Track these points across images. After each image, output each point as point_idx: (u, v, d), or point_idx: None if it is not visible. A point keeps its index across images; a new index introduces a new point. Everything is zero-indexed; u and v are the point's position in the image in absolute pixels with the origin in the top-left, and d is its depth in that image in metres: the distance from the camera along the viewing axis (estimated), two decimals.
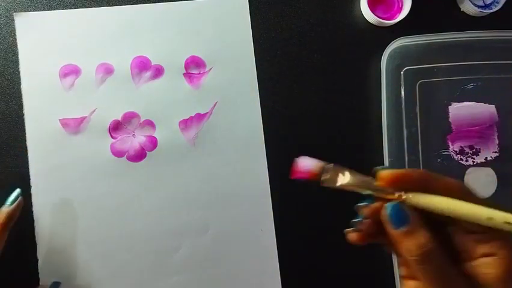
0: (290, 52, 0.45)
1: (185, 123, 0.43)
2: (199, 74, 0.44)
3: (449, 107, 0.45)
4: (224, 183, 0.43)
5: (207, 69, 0.44)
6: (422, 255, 0.25)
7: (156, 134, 0.43)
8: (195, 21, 0.44)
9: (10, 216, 0.39)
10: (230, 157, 0.43)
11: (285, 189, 0.43)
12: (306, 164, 0.28)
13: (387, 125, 0.43)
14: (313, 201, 0.44)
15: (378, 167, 0.27)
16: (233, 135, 0.43)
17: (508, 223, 0.25)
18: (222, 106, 0.44)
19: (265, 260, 0.43)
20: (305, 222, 0.44)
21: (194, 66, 0.44)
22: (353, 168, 0.45)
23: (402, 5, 0.45)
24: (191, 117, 0.43)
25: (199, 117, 0.43)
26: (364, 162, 0.44)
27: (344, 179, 0.28)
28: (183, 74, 0.43)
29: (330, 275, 0.44)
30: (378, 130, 0.44)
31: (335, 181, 0.28)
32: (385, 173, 0.27)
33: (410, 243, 0.25)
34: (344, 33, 0.45)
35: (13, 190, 0.40)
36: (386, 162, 0.43)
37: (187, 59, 0.44)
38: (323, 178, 0.28)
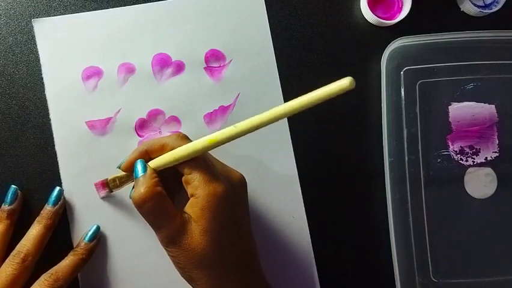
0: (290, 52, 0.45)
1: (210, 117, 0.44)
2: (220, 66, 0.44)
3: (449, 107, 0.45)
4: (252, 173, 0.43)
5: (226, 61, 0.44)
6: (147, 194, 0.34)
7: (182, 130, 0.43)
8: (212, 14, 0.44)
9: (54, 217, 0.40)
10: (256, 147, 0.44)
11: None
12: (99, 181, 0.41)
13: (387, 125, 0.43)
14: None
15: (119, 164, 0.38)
16: None
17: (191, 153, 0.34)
18: (244, 97, 0.44)
19: (299, 247, 0.43)
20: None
21: (214, 60, 0.44)
22: (353, 167, 0.46)
23: (402, 5, 0.45)
24: (215, 111, 0.44)
25: (223, 109, 0.44)
26: (364, 162, 0.44)
27: (118, 182, 0.40)
28: (204, 68, 0.44)
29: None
30: (378, 130, 0.44)
31: (117, 185, 0.40)
32: (123, 166, 0.38)
33: (141, 187, 0.34)
34: (344, 33, 0.45)
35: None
36: (386, 162, 0.43)
37: (206, 53, 0.44)
38: (111, 185, 0.40)
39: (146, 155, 0.37)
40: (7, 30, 0.43)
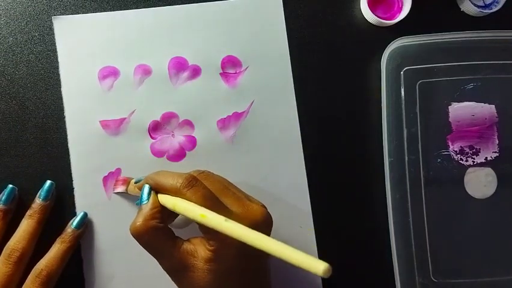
0: (290, 52, 0.45)
1: (223, 123, 0.44)
2: (236, 73, 0.44)
3: (449, 107, 0.45)
4: (262, 181, 0.43)
5: (243, 68, 0.44)
6: (144, 225, 0.34)
7: (195, 134, 0.43)
8: (230, 21, 0.44)
9: (46, 211, 0.40)
10: (268, 155, 0.44)
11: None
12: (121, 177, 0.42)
13: (387, 125, 0.43)
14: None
15: (135, 179, 0.40)
16: (270, 133, 0.44)
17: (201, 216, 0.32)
18: (258, 105, 0.44)
19: (305, 248, 0.43)
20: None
21: (230, 66, 0.44)
22: (353, 168, 0.46)
23: (402, 5, 0.45)
24: (228, 117, 0.44)
25: (237, 116, 0.44)
26: (364, 162, 0.44)
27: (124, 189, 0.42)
28: (220, 73, 0.44)
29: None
30: (378, 130, 0.44)
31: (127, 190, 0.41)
32: (138, 185, 0.38)
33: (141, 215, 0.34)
34: (344, 33, 0.45)
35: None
36: (386, 162, 0.43)
37: (223, 59, 0.44)
38: (129, 188, 0.41)
39: (155, 188, 0.36)
40: (7, 30, 0.43)
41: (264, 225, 0.34)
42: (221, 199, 0.34)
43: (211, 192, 0.34)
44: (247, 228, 0.30)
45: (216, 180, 0.36)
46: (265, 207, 0.35)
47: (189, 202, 0.33)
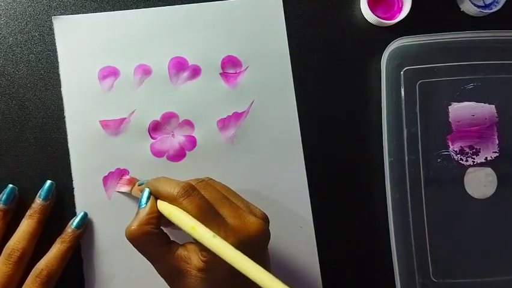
0: (290, 52, 0.45)
1: (223, 122, 0.44)
2: (236, 73, 0.44)
3: (449, 107, 0.45)
4: (262, 181, 0.43)
5: (243, 68, 0.44)
6: (140, 230, 0.33)
7: (195, 134, 0.43)
8: (230, 20, 0.44)
9: (46, 211, 0.40)
10: (268, 155, 0.44)
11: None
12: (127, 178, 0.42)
13: (387, 125, 0.43)
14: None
15: (139, 182, 0.41)
16: (270, 132, 0.44)
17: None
18: (258, 105, 0.44)
19: (306, 257, 0.43)
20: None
21: (230, 66, 0.44)
22: (353, 167, 0.46)
23: (402, 5, 0.45)
24: (228, 117, 0.44)
25: (237, 116, 0.44)
26: (364, 162, 0.44)
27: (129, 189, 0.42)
28: (220, 73, 0.44)
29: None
30: (378, 130, 0.44)
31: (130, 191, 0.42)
32: (140, 188, 0.39)
33: (137, 218, 0.34)
34: (344, 33, 0.45)
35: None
36: (386, 162, 0.43)
37: (223, 59, 0.44)
38: (133, 189, 0.41)
39: (155, 194, 0.35)
40: (7, 30, 0.43)
41: (257, 239, 0.33)
42: (218, 209, 0.33)
43: (208, 202, 0.33)
44: (232, 248, 0.30)
45: (215, 189, 0.35)
46: (265, 219, 0.35)
47: (183, 212, 0.32)
